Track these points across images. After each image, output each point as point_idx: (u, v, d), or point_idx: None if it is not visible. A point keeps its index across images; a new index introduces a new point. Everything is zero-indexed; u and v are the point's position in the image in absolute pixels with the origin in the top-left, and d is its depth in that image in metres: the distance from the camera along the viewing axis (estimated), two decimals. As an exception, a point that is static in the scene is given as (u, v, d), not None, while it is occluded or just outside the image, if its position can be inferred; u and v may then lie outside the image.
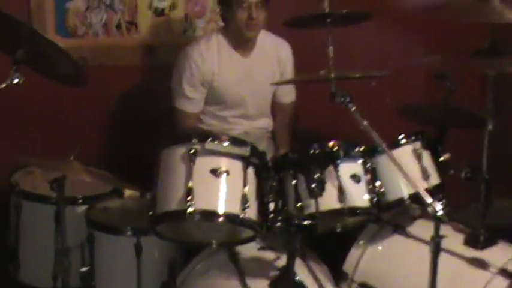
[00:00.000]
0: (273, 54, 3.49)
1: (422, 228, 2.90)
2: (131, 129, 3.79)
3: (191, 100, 3.38)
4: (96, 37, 3.68)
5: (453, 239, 2.92)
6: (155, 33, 3.78)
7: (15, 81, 2.58)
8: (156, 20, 3.76)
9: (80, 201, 3.18)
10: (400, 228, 3.04)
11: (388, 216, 3.02)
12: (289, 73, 3.55)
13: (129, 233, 2.97)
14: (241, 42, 3.39)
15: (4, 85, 2.56)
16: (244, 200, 2.62)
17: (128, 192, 3.23)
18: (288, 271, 2.70)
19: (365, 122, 2.64)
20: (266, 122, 3.60)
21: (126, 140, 3.80)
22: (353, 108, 2.67)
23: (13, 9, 3.38)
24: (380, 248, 3.04)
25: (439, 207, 2.49)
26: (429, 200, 2.50)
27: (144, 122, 3.75)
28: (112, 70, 3.74)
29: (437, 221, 2.51)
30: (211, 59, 3.35)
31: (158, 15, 3.75)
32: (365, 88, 3.73)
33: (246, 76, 3.42)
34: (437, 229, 2.53)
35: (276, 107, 3.63)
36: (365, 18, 3.00)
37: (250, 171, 2.69)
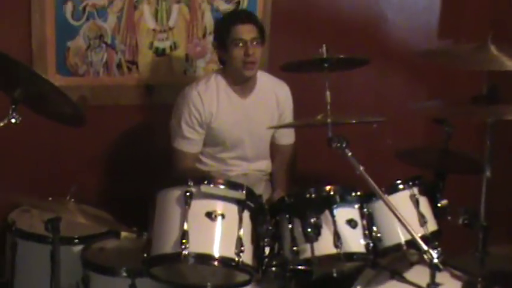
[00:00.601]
0: (272, 96, 3.50)
1: (420, 274, 2.86)
2: (130, 169, 3.78)
3: (189, 141, 3.38)
4: (96, 76, 3.69)
5: (450, 286, 2.90)
6: (156, 73, 3.78)
7: (13, 120, 2.59)
8: (157, 59, 3.77)
9: (76, 241, 3.16)
10: (397, 274, 3.01)
11: (386, 261, 2.99)
12: (288, 115, 3.55)
13: (124, 274, 2.93)
14: (240, 83, 3.39)
15: (2, 124, 2.57)
16: (240, 243, 2.61)
17: (124, 233, 3.21)
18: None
19: (361, 168, 2.64)
20: (264, 164, 3.59)
21: (125, 180, 3.79)
22: (349, 154, 2.67)
23: (15, 47, 3.46)
24: (377, 293, 3.01)
25: (434, 254, 2.48)
26: (425, 247, 2.49)
27: (144, 162, 3.74)
28: (112, 109, 3.74)
29: (433, 268, 2.50)
30: (210, 100, 3.36)
31: (159, 55, 3.77)
32: (366, 131, 3.76)
33: (244, 118, 3.42)
34: (433, 276, 2.53)
35: (274, 149, 3.62)
36: (362, 63, 3.01)
37: (246, 214, 2.68)
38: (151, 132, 3.78)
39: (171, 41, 3.77)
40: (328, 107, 2.77)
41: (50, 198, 2.85)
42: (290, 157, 3.65)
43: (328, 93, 2.78)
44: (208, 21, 3.73)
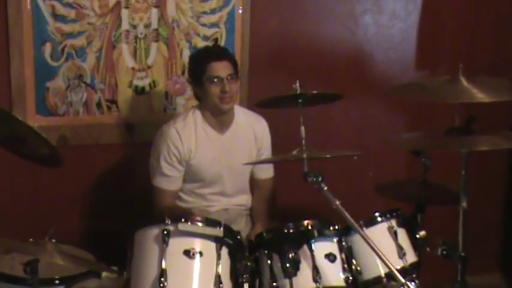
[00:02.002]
0: (249, 130, 3.51)
1: (401, 306, 2.88)
2: (111, 208, 3.78)
3: (169, 178, 3.39)
4: (76, 116, 3.69)
5: (431, 318, 2.92)
6: (136, 111, 3.80)
7: (-10, 162, 2.60)
8: (137, 98, 3.79)
9: (57, 281, 3.14)
10: (378, 307, 3.02)
11: (367, 294, 3.00)
12: (266, 149, 3.56)
13: (104, 314, 2.94)
14: (217, 117, 3.40)
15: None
16: (218, 280, 2.63)
17: (105, 273, 3.19)
18: None
19: (337, 202, 2.66)
20: (245, 199, 3.59)
21: (106, 218, 3.78)
22: (325, 188, 2.69)
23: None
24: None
25: (412, 286, 2.49)
26: (402, 279, 2.51)
27: (125, 200, 3.74)
28: (92, 148, 3.74)
29: (412, 301, 2.51)
30: (189, 137, 3.37)
31: (138, 93, 3.78)
32: (345, 165, 3.79)
33: (223, 153, 3.43)
34: (411, 308, 2.53)
35: (254, 183, 3.62)
36: (336, 98, 3.04)
37: (224, 251, 2.70)
38: (132, 170, 3.78)
39: (151, 79, 3.79)
40: (303, 141, 2.80)
41: (31, 240, 2.85)
42: (269, 191, 3.65)
43: (302, 128, 2.81)
44: (187, 58, 3.74)
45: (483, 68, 4.25)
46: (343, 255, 2.82)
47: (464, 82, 2.78)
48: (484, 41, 4.35)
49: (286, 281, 2.70)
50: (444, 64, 4.14)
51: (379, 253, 2.60)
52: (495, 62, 4.34)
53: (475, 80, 2.79)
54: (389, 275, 2.80)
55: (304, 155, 2.76)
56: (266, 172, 3.64)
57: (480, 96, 2.73)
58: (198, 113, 3.42)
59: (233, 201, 3.54)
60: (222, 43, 3.84)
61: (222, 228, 2.69)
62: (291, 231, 2.79)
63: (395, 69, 4.22)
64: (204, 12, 3.81)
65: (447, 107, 3.14)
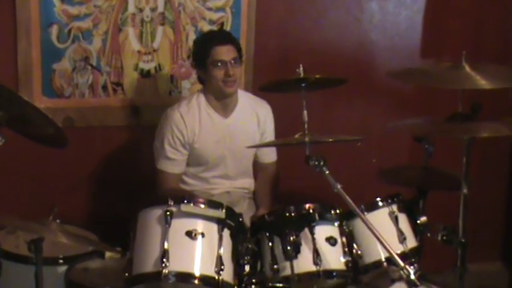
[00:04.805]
0: (253, 114, 3.53)
1: (401, 291, 2.90)
2: (116, 189, 3.80)
3: (173, 161, 3.41)
4: (82, 98, 3.71)
5: (431, 302, 2.94)
6: (141, 94, 3.81)
7: (-3, 142, 2.62)
8: (142, 81, 3.80)
9: (61, 261, 3.17)
10: (378, 291, 3.04)
11: (367, 278, 3.02)
12: (269, 133, 3.58)
13: (107, 293, 2.97)
14: (221, 100, 3.42)
15: (-15, 147, 2.60)
16: (220, 262, 2.65)
17: (109, 253, 3.23)
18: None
19: (339, 186, 2.68)
20: (248, 183, 3.61)
21: (110, 200, 3.81)
22: (327, 172, 2.71)
23: (1, 70, 3.49)
24: (359, 310, 3.03)
25: (411, 270, 2.51)
26: (402, 263, 2.53)
27: (129, 182, 3.76)
28: (98, 130, 3.77)
29: (410, 284, 2.53)
30: (192, 121, 3.40)
31: (144, 76, 3.80)
32: (349, 150, 3.80)
33: (226, 136, 3.45)
34: (410, 293, 2.55)
35: (257, 167, 3.65)
36: (339, 83, 3.05)
37: (226, 233, 2.73)
38: (137, 152, 3.80)
39: (156, 63, 3.81)
40: (306, 125, 2.82)
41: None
42: (273, 175, 3.67)
43: (305, 112, 2.83)
44: (192, 42, 3.76)
45: (488, 55, 4.25)
46: (344, 239, 2.85)
47: (468, 69, 2.79)
48: (489, 28, 4.34)
49: (287, 264, 2.73)
50: (449, 51, 4.13)
51: (380, 237, 2.63)
52: (500, 49, 4.34)
53: (479, 66, 2.79)
54: (390, 259, 2.81)
55: (307, 139, 2.79)
56: (269, 156, 3.66)
57: (483, 82, 2.74)
58: (202, 97, 3.44)
59: (236, 184, 3.56)
60: (227, 27, 3.85)
61: (224, 210, 2.71)
62: (293, 214, 2.81)
63: (400, 56, 4.22)
64: (210, -4, 3.83)
65: (451, 93, 3.15)
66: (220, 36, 3.44)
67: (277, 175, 3.69)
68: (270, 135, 3.58)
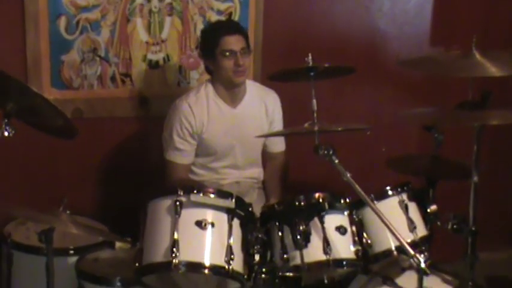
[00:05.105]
0: (261, 104, 3.54)
1: (411, 280, 2.87)
2: (125, 180, 3.81)
3: (181, 152, 3.41)
4: (91, 89, 3.72)
5: (441, 291, 2.94)
6: (150, 85, 3.82)
7: (6, 134, 2.62)
8: (151, 72, 3.80)
9: (71, 251, 3.19)
10: (389, 280, 3.03)
11: (377, 267, 3.02)
12: (278, 122, 3.59)
13: (118, 283, 2.96)
14: (230, 90, 3.42)
15: (-5, 138, 2.61)
16: (230, 251, 2.65)
17: (119, 243, 3.24)
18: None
19: (348, 174, 2.67)
20: (256, 172, 3.62)
21: (120, 191, 3.82)
22: (336, 161, 2.70)
23: (10, 61, 3.50)
24: (370, 299, 3.03)
25: (421, 259, 2.50)
26: (412, 252, 2.52)
27: (138, 173, 3.78)
28: (106, 121, 3.77)
29: (420, 273, 2.52)
30: (201, 112, 3.40)
31: (152, 67, 3.80)
32: (358, 139, 3.80)
33: (235, 126, 3.46)
34: (420, 281, 2.55)
35: (266, 157, 3.65)
36: (348, 71, 3.04)
37: (236, 222, 2.72)
38: (146, 143, 3.81)
39: (164, 53, 3.81)
40: (315, 115, 2.81)
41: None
42: (282, 165, 3.68)
43: (314, 101, 2.82)
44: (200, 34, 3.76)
45: (498, 42, 4.23)
46: (354, 228, 2.84)
47: (478, 56, 2.76)
48: (499, 15, 4.32)
49: (297, 253, 2.72)
50: (459, 39, 4.10)
51: (390, 226, 2.62)
52: (511, 36, 4.31)
53: (489, 54, 2.77)
54: (400, 248, 2.81)
55: (316, 128, 2.78)
56: (278, 146, 3.66)
57: (493, 70, 2.71)
58: (210, 87, 3.44)
59: (245, 174, 3.56)
60: (235, 18, 3.85)
61: (233, 200, 2.71)
62: (302, 203, 2.80)
63: (410, 44, 4.21)
64: (218, -14, 3.83)
65: (460, 81, 3.13)
66: (229, 26, 3.43)
67: (286, 164, 3.69)
68: (278, 125, 3.58)
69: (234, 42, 3.31)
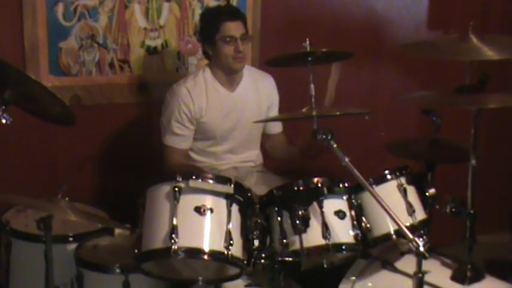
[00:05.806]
0: (258, 87, 3.54)
1: (411, 264, 2.86)
2: (124, 166, 3.82)
3: (179, 137, 3.41)
4: (89, 75, 3.71)
5: (440, 274, 2.94)
6: (148, 71, 3.82)
7: (4, 121, 2.61)
8: (149, 58, 3.80)
9: (70, 239, 3.19)
10: (388, 264, 3.04)
11: (377, 251, 3.03)
12: (276, 104, 3.61)
13: (117, 270, 2.97)
14: (228, 75, 3.43)
15: (-8, 125, 2.60)
16: (229, 237, 2.65)
17: (118, 230, 3.24)
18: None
19: (347, 159, 2.67)
20: (254, 155, 3.63)
21: (119, 177, 3.82)
22: (334, 145, 2.70)
23: (7, 48, 3.50)
24: (370, 284, 3.03)
25: (420, 242, 2.50)
26: (410, 235, 2.52)
27: (137, 159, 3.78)
28: (105, 108, 3.77)
29: (419, 256, 2.52)
30: (199, 96, 3.40)
31: (151, 53, 3.79)
32: (357, 124, 3.80)
33: (233, 110, 3.46)
34: (419, 264, 2.54)
35: (266, 138, 3.69)
36: (346, 56, 3.04)
37: (235, 208, 2.72)
38: (145, 129, 3.80)
39: (163, 39, 3.80)
40: (313, 99, 2.81)
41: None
42: (283, 144, 3.69)
43: (312, 86, 2.82)
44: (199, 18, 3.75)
45: (495, 26, 4.22)
46: (353, 213, 2.83)
47: (475, 40, 2.77)
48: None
49: (296, 238, 2.71)
50: (456, 23, 4.10)
51: (389, 210, 2.61)
52: (508, 20, 4.31)
53: (486, 37, 2.77)
54: (399, 232, 2.80)
55: (314, 113, 2.77)
56: (276, 127, 3.70)
57: (490, 54, 2.71)
58: (208, 72, 3.44)
59: (242, 158, 3.58)
60: (234, 2, 3.85)
61: (232, 185, 2.70)
62: (301, 188, 2.79)
63: (407, 29, 4.21)
64: (217, -29, 3.81)
65: (458, 65, 3.13)
66: (230, 12, 3.42)
67: (287, 141, 3.72)
68: (275, 107, 3.60)
69: (234, 28, 3.30)
